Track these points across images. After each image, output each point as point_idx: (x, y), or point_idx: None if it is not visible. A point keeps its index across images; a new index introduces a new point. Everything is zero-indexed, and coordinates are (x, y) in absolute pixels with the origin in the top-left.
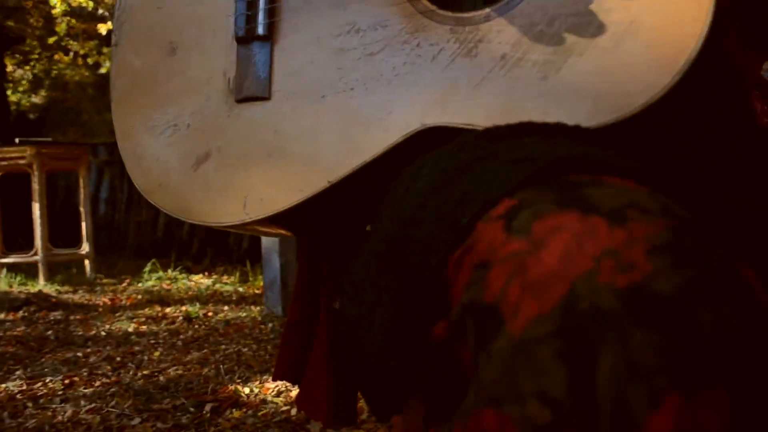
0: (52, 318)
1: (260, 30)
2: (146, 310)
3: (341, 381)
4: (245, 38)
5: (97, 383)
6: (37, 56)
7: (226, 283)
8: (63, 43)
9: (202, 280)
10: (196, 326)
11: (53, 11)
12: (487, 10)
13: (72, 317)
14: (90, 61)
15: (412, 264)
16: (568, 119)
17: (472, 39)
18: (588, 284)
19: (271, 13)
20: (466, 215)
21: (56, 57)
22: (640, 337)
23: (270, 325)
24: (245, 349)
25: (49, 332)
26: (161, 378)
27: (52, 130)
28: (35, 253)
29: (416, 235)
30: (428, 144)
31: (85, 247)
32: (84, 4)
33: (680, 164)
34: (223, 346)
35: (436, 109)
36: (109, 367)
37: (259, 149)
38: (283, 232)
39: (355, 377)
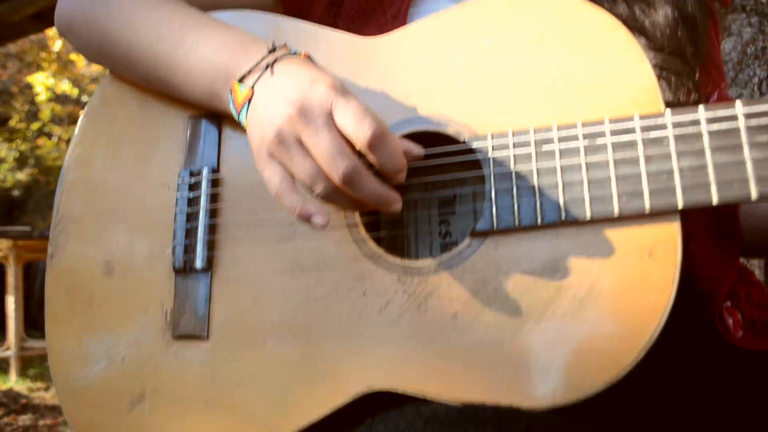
0: (20, 423)
1: (199, 263)
2: None
3: None
4: (183, 270)
5: None
6: (22, 137)
7: None
8: (46, 129)
9: None
10: None
11: (37, 98)
12: (437, 260)
13: (41, 422)
14: None
15: None
16: (526, 395)
17: (421, 292)
18: None
19: (211, 245)
20: None
21: (39, 142)
22: None
23: None
24: None
25: None
26: None
27: (34, 213)
28: (8, 348)
29: None
30: (375, 398)
31: None
32: (69, 92)
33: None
34: None
35: (384, 370)
36: None
37: (195, 396)
38: None
39: None
